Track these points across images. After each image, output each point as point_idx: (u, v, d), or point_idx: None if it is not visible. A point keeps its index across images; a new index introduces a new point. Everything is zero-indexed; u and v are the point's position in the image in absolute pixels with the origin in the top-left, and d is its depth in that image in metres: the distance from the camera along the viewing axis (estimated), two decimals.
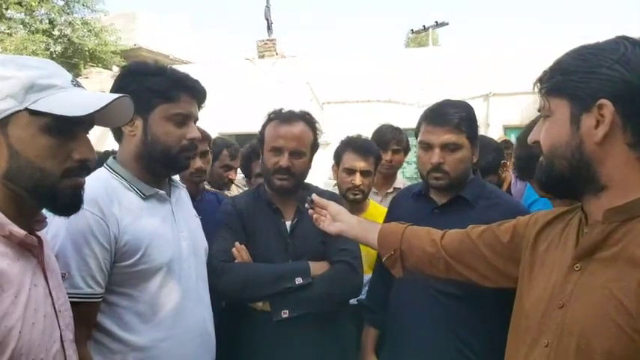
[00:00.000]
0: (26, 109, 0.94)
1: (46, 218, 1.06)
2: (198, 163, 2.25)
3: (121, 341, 1.39)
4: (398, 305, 1.81)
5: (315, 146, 1.96)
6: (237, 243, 1.83)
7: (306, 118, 1.94)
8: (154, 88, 1.47)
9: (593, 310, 0.90)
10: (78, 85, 1.03)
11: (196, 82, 1.57)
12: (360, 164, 2.36)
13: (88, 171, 1.06)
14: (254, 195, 1.99)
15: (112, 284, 1.40)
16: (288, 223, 1.89)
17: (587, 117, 0.93)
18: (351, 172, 2.37)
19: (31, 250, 0.99)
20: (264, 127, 1.95)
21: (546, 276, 1.03)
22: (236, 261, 1.80)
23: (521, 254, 1.16)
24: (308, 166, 1.95)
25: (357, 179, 2.34)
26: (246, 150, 2.67)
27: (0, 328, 0.86)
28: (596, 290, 0.91)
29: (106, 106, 0.99)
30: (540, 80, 1.02)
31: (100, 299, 1.37)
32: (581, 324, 0.91)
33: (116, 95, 1.03)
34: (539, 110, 1.04)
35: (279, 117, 1.92)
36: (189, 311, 1.51)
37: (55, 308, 1.02)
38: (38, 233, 1.03)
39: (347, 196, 2.38)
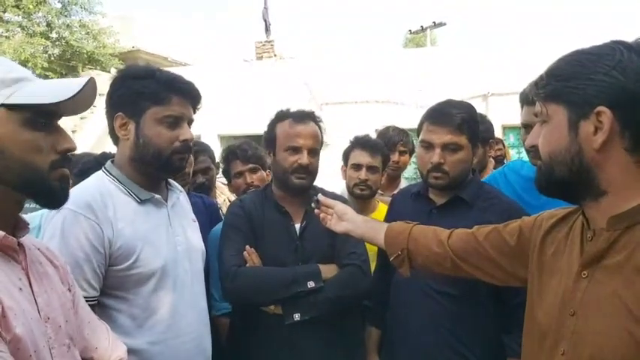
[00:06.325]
0: (2, 104, 0.91)
1: (28, 225, 1.02)
2: None
3: None
4: (396, 305, 1.83)
5: (321, 146, 1.96)
6: (247, 247, 1.83)
7: (315, 118, 1.95)
8: (144, 91, 1.46)
9: (604, 319, 0.91)
10: (38, 75, 1.01)
11: (188, 83, 1.54)
12: (367, 159, 2.39)
13: (70, 161, 1.03)
14: (262, 196, 1.97)
15: (107, 287, 1.41)
16: (297, 226, 1.89)
17: (585, 123, 0.93)
18: (357, 167, 2.40)
19: (10, 254, 0.95)
20: (273, 127, 1.93)
21: (556, 283, 1.04)
22: (247, 265, 1.80)
23: (528, 256, 1.16)
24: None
25: (363, 174, 2.37)
26: (224, 152, 2.66)
27: None
28: (606, 299, 0.91)
29: (79, 91, 0.95)
30: (536, 85, 1.01)
31: (94, 302, 1.37)
32: (594, 333, 0.92)
33: (84, 79, 0.99)
34: (536, 115, 1.04)
35: (292, 116, 1.91)
36: (182, 315, 1.51)
37: (40, 315, 0.97)
38: (21, 240, 0.99)
39: (354, 191, 2.40)
